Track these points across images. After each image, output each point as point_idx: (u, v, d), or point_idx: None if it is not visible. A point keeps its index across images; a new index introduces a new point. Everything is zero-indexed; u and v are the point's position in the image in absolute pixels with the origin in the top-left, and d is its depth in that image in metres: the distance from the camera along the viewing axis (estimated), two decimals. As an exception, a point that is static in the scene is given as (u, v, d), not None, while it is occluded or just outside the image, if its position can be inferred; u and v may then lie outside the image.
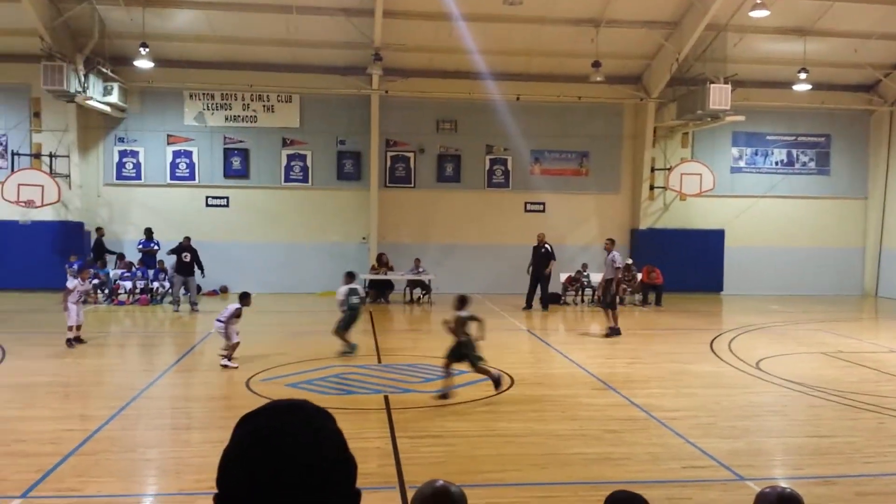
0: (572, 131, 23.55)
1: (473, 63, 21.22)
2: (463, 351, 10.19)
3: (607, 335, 15.70)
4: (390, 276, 21.60)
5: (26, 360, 12.74)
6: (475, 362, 10.22)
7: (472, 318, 10.29)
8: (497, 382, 10.36)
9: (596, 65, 20.90)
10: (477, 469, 7.51)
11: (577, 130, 23.55)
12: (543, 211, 23.59)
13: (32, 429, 8.71)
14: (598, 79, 21.23)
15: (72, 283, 13.95)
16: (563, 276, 21.83)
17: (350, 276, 13.71)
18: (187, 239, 19.29)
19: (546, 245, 20.27)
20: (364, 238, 22.82)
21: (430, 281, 21.40)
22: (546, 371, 12.77)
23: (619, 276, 16.56)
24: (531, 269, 20.37)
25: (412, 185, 23.41)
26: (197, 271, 19.06)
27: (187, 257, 19.06)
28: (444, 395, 10.09)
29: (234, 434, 1.50)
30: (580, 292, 21.82)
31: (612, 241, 16.66)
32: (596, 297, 19.81)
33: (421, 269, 21.48)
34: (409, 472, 7.31)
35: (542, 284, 20.17)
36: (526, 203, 23.71)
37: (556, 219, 23.22)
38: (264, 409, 1.52)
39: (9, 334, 14.88)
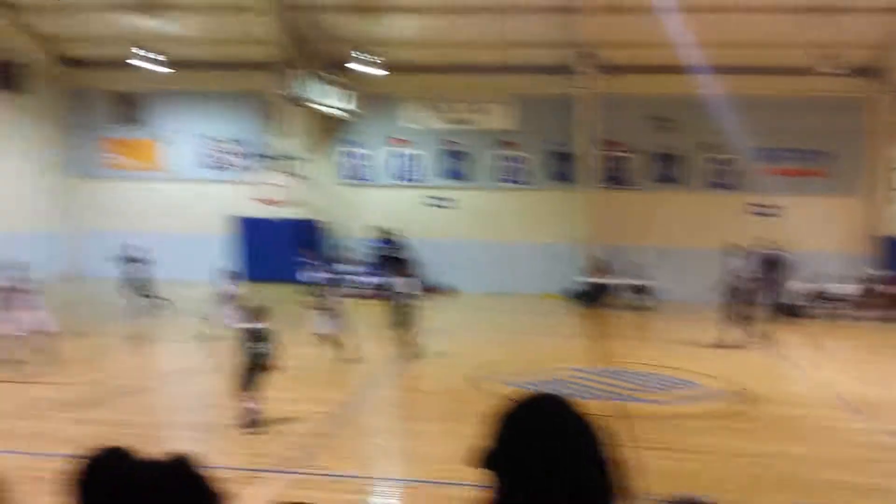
0: (800, 128, 21.86)
1: (689, 57, 20.19)
2: None
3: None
4: (608, 279, 21.21)
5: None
6: None
7: None
8: None
9: (828, 56, 19.18)
10: (725, 488, 7.15)
11: (806, 127, 21.81)
12: (771, 214, 22.11)
13: (283, 409, 9.47)
14: (831, 70, 19.50)
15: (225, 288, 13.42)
16: (798, 285, 20.05)
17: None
18: (388, 235, 20.10)
19: (774, 251, 18.95)
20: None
21: (649, 286, 20.72)
22: (786, 388, 11.93)
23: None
24: (758, 276, 19.07)
25: (627, 186, 22.88)
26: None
27: (394, 252, 19.85)
28: None
29: (516, 414, 1.61)
30: (817, 303, 19.79)
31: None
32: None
33: (639, 273, 20.87)
34: (656, 487, 7.12)
35: (773, 294, 18.73)
36: (750, 205, 22.35)
37: (785, 222, 21.67)
38: (541, 396, 1.65)
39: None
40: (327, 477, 7.26)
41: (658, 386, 11.24)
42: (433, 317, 18.91)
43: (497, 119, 23.12)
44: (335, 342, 12.00)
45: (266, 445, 8.05)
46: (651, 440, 8.51)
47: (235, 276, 13.96)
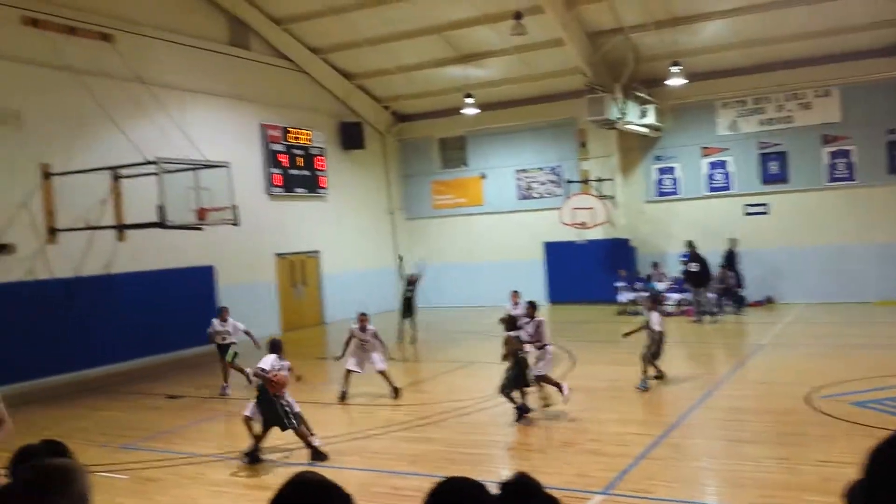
0: None
1: None
2: None
3: None
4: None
5: (590, 365, 14.13)
6: None
7: None
8: None
9: None
10: None
11: None
12: None
13: (604, 430, 9.60)
14: None
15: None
16: None
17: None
18: (691, 246, 19.36)
19: None
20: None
21: None
22: None
23: None
24: None
25: None
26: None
27: (694, 267, 18.99)
28: None
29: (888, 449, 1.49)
30: None
31: None
32: None
33: None
34: None
35: None
36: None
37: None
38: None
39: (573, 342, 16.67)
40: (649, 500, 7.22)
41: None
42: (756, 331, 17.84)
43: (819, 113, 21.22)
44: (649, 360, 11.86)
45: (585, 466, 8.22)
46: None
47: (519, 297, 14.34)
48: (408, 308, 18.26)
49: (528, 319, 11.05)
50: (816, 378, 11.64)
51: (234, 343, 13.59)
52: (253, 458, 8.91)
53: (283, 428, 9.00)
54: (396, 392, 12.10)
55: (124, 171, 16.24)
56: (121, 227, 16.85)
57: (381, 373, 12.17)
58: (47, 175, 15.86)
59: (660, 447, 8.74)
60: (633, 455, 8.39)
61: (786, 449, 8.46)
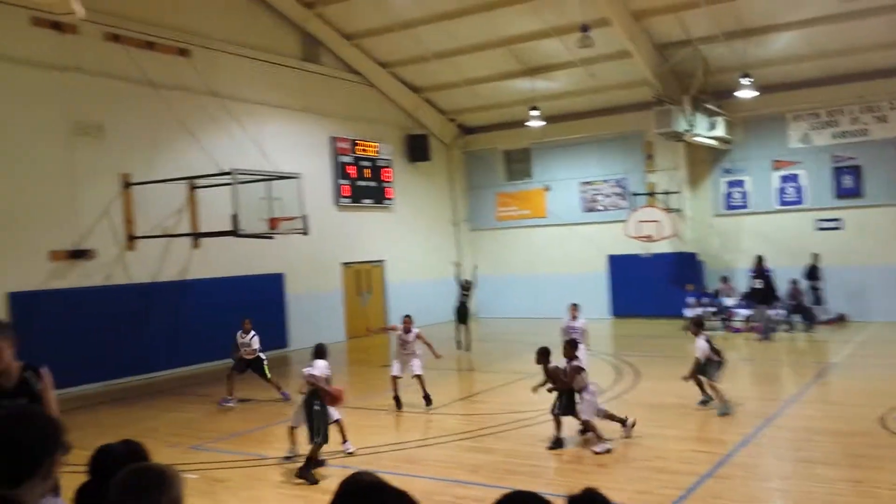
0: None
1: None
2: None
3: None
4: None
5: (655, 381, 13.95)
6: None
7: None
8: None
9: None
10: None
11: None
12: None
13: (669, 447, 9.47)
14: None
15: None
16: None
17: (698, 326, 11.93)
18: (759, 262, 18.99)
19: None
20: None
21: None
22: None
23: None
24: None
25: None
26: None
27: (759, 283, 18.58)
28: None
29: None
30: None
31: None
32: None
33: None
34: None
35: None
36: None
37: None
38: None
39: (638, 357, 16.49)
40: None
41: None
42: (828, 349, 17.33)
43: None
44: (707, 379, 11.62)
45: (648, 483, 8.14)
46: None
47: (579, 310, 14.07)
48: (463, 314, 18.36)
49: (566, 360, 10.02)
50: (891, 399, 11.27)
51: (261, 357, 13.49)
52: (310, 468, 8.66)
53: (310, 439, 8.76)
54: (428, 400, 12.16)
55: (200, 182, 16.83)
56: (196, 235, 17.45)
57: (418, 377, 12.25)
58: (127, 184, 16.54)
59: (727, 466, 8.59)
60: (698, 473, 8.27)
61: (860, 472, 8.22)
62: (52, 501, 3.17)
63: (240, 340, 13.51)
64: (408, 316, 12.94)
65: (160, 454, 9.16)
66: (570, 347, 10.11)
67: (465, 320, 18.49)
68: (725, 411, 10.95)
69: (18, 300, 14.55)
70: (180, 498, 2.47)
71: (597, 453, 9.20)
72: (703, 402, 11.48)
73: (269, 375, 13.43)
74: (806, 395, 12.46)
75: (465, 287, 18.65)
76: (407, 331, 12.63)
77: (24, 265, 14.78)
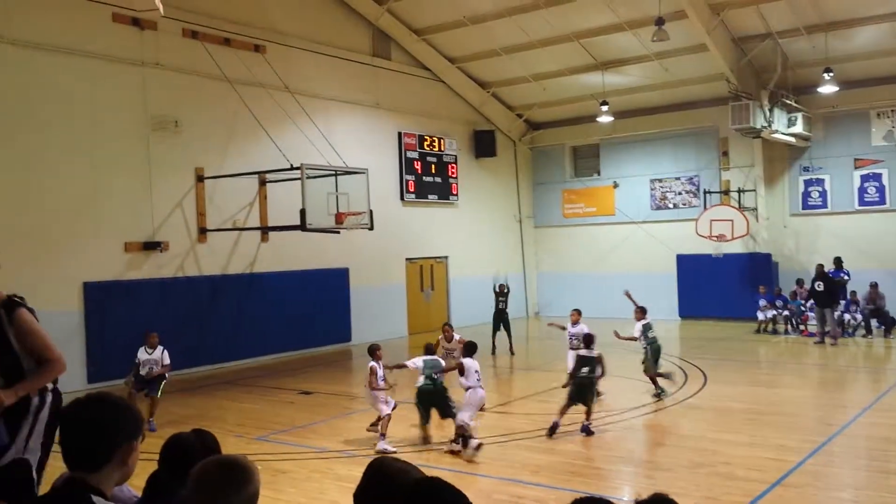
0: None
1: None
2: None
3: None
4: None
5: (723, 385, 13.59)
6: None
7: None
8: None
9: None
10: None
11: None
12: None
13: (736, 453, 9.20)
14: None
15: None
16: None
17: (642, 312, 12.70)
18: (820, 266, 18.29)
19: None
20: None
21: None
22: None
23: None
24: None
25: None
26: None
27: (820, 286, 17.88)
28: None
29: None
30: None
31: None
32: None
33: None
34: None
35: None
36: None
37: None
38: None
39: (706, 360, 16.09)
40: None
41: None
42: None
43: None
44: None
45: (715, 489, 7.91)
46: None
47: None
48: (502, 320, 17.97)
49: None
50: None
51: (162, 376, 11.22)
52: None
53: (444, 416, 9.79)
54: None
55: (270, 176, 17.12)
56: (265, 229, 17.79)
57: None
58: (200, 178, 16.95)
59: (797, 474, 8.30)
60: (767, 481, 8.01)
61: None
62: (120, 489, 3.23)
63: (143, 357, 11.16)
64: (447, 324, 13.15)
65: (226, 444, 9.31)
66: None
67: (507, 326, 17.97)
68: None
69: (92, 290, 15.03)
70: (257, 492, 2.44)
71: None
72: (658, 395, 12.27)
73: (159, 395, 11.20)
74: (880, 403, 11.94)
75: (501, 293, 18.36)
76: (448, 339, 12.58)
77: (99, 256, 15.26)
